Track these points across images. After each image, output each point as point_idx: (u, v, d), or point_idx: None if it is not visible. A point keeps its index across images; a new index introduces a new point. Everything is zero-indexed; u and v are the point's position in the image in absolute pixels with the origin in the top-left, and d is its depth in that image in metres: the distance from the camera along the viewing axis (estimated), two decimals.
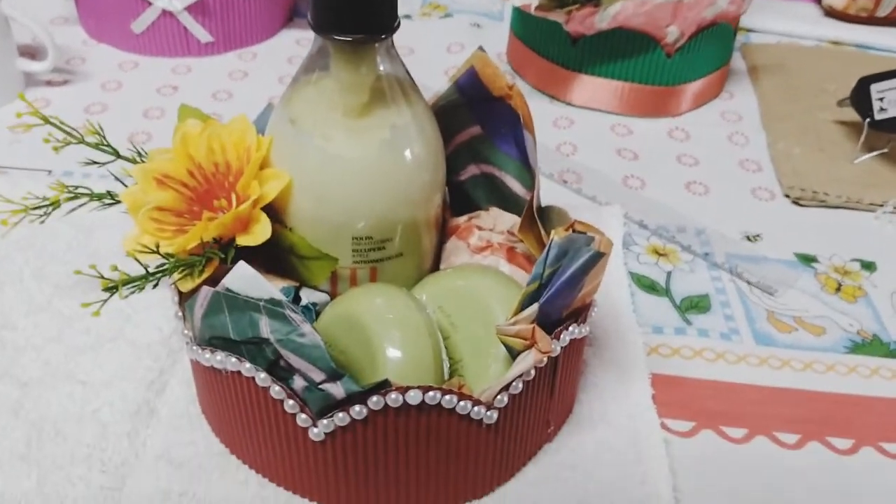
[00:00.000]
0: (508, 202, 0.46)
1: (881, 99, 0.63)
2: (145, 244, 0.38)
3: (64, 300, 0.50)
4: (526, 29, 0.74)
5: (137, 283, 0.38)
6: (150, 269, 0.39)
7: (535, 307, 0.36)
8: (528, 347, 0.36)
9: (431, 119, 0.42)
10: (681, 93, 0.71)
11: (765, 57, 0.80)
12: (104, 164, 0.43)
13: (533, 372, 0.37)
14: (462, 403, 0.35)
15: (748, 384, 0.47)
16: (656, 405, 0.45)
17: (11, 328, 0.48)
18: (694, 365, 0.48)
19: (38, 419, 0.43)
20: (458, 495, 0.39)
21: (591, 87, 0.71)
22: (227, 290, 0.36)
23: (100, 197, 0.44)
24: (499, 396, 0.36)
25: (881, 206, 0.61)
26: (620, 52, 0.68)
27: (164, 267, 0.39)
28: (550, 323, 0.37)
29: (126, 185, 0.42)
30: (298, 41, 0.81)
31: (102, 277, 0.37)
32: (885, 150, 0.66)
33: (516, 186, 0.46)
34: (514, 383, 0.36)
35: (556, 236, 0.36)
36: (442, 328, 0.40)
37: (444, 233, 0.46)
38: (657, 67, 0.69)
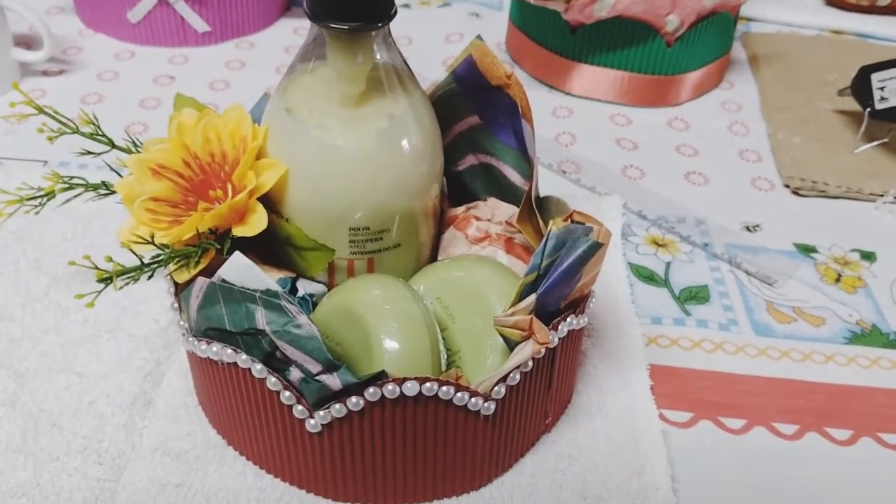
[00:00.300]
0: (507, 192, 0.46)
1: (882, 88, 0.63)
2: (140, 235, 0.38)
3: (61, 291, 0.49)
4: (525, 18, 0.74)
5: (132, 274, 0.38)
6: (146, 260, 0.39)
7: (532, 298, 0.35)
8: (526, 338, 0.36)
9: (429, 109, 0.42)
10: (680, 82, 0.71)
11: (765, 46, 0.80)
12: (99, 154, 0.43)
13: (531, 363, 0.37)
14: (459, 395, 0.35)
15: (747, 375, 0.47)
16: (655, 396, 0.45)
17: (8, 319, 0.48)
18: (692, 356, 0.48)
19: (34, 410, 0.43)
20: (456, 487, 0.39)
21: (590, 77, 0.71)
22: (223, 280, 0.35)
23: (95, 187, 0.44)
24: (496, 388, 0.36)
25: (881, 196, 0.61)
26: (620, 41, 0.68)
27: (160, 258, 0.38)
28: (548, 314, 0.37)
29: (122, 176, 0.42)
30: (296, 31, 0.81)
31: (97, 268, 0.37)
32: (886, 140, 0.65)
33: (514, 176, 0.46)
34: (511, 374, 0.36)
35: (555, 227, 0.36)
36: (439, 319, 0.40)
37: (441, 223, 0.46)
38: (657, 57, 0.69)
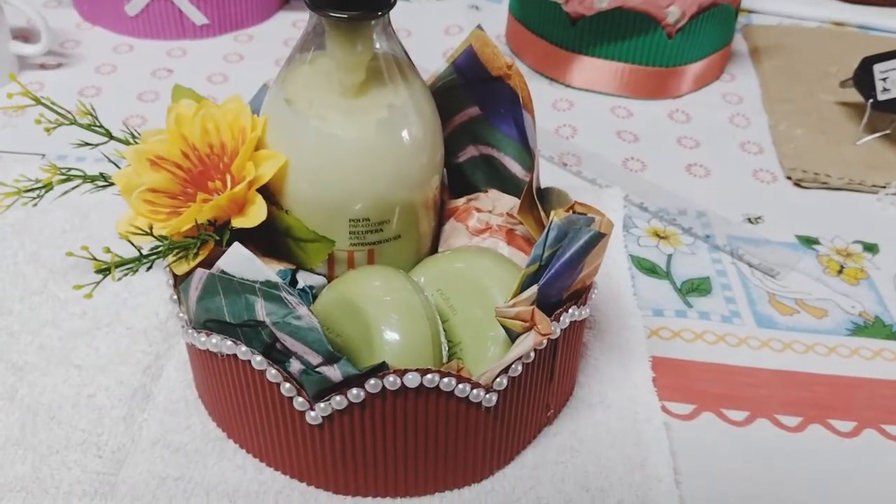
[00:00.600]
0: (507, 184, 0.46)
1: (884, 79, 0.62)
2: (139, 226, 0.38)
3: (59, 284, 0.49)
4: (525, 10, 0.73)
5: (131, 265, 0.38)
6: (145, 252, 0.38)
7: (534, 289, 0.35)
8: (528, 330, 0.35)
9: (429, 99, 0.41)
10: (682, 74, 0.70)
11: (766, 38, 0.80)
12: (96, 145, 0.43)
13: (532, 354, 0.36)
14: (461, 386, 0.35)
15: (749, 367, 0.47)
16: (657, 388, 0.45)
17: (6, 312, 0.47)
18: (695, 348, 0.48)
19: (33, 403, 0.42)
20: (458, 479, 0.39)
21: (590, 69, 0.71)
22: (223, 272, 0.35)
23: (92, 179, 0.43)
24: (498, 379, 0.35)
25: (884, 187, 0.61)
26: (620, 32, 0.68)
27: (159, 249, 0.38)
28: (550, 305, 0.37)
29: (120, 168, 0.42)
30: (295, 23, 0.80)
31: (95, 259, 0.37)
32: (888, 132, 0.65)
33: (515, 168, 0.45)
34: (513, 366, 0.36)
35: (557, 217, 0.35)
36: (440, 311, 0.40)
37: (442, 215, 0.46)
38: (658, 48, 0.68)
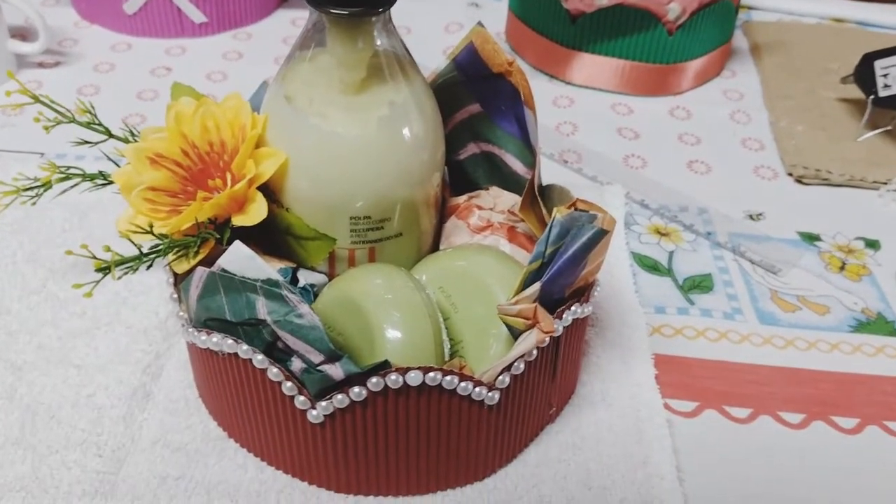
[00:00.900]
0: (509, 181, 0.46)
1: (885, 75, 0.62)
2: (139, 225, 0.38)
3: (58, 283, 0.49)
4: (525, 7, 0.73)
5: (131, 264, 0.38)
6: (144, 250, 0.38)
7: (537, 286, 0.35)
8: (530, 327, 0.35)
9: (430, 96, 0.41)
10: (682, 71, 0.70)
11: (767, 35, 0.80)
12: (95, 143, 0.43)
13: (535, 352, 0.36)
14: (463, 384, 0.34)
15: (752, 364, 0.47)
16: (659, 385, 0.45)
17: (5, 312, 0.47)
18: (697, 345, 0.48)
19: (32, 403, 0.42)
20: (460, 477, 0.39)
21: (591, 66, 0.70)
22: (223, 270, 0.35)
23: (91, 177, 0.43)
24: (500, 377, 0.35)
25: (885, 184, 0.61)
26: (621, 29, 0.67)
27: (159, 248, 0.38)
28: (553, 302, 0.37)
29: (119, 166, 0.41)
30: (294, 21, 0.80)
31: (95, 258, 0.37)
32: (889, 128, 0.65)
33: (517, 165, 0.45)
34: (515, 364, 0.35)
35: (559, 214, 0.35)
36: (442, 309, 0.40)
37: (443, 213, 0.46)
38: (658, 45, 0.68)
